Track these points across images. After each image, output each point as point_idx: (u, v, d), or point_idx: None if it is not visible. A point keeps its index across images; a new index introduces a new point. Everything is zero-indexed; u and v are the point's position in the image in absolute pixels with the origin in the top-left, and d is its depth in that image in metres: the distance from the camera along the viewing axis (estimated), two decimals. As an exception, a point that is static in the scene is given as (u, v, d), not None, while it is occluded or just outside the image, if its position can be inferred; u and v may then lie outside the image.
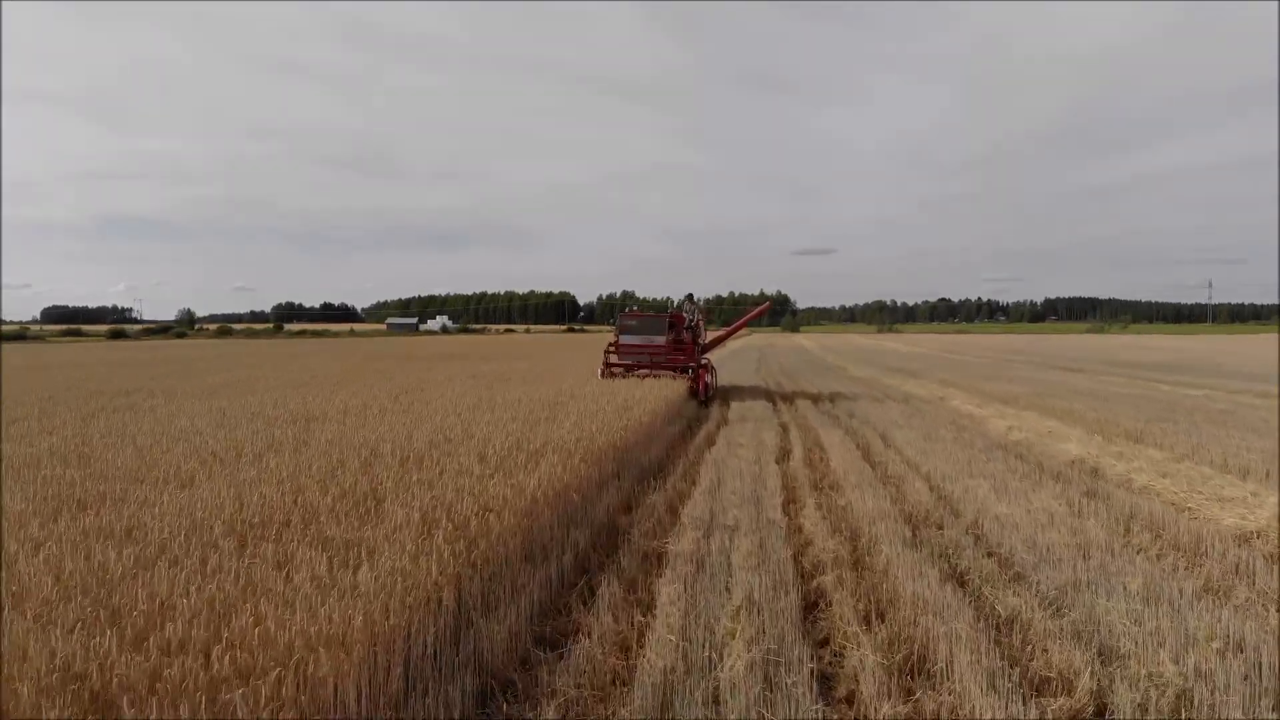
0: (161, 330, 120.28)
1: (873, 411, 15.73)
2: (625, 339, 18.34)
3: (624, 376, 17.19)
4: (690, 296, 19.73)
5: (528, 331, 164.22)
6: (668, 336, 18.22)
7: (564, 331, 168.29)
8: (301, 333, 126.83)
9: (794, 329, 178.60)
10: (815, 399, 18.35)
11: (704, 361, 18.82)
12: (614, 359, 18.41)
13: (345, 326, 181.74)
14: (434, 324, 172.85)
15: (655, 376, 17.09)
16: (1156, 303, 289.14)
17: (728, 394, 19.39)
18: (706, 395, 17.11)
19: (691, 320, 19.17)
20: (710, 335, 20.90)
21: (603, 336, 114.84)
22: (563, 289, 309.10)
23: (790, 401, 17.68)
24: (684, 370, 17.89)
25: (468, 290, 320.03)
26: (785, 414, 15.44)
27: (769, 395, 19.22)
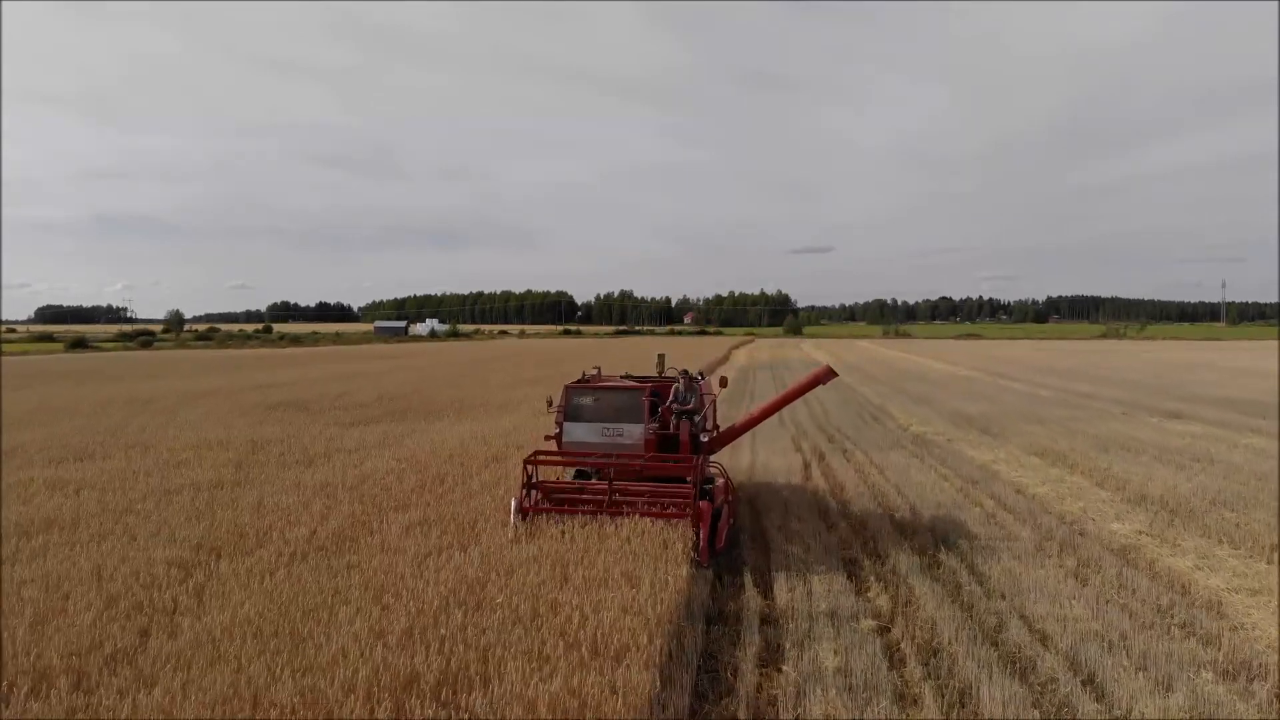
0: (135, 336, 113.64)
1: (1025, 582, 9.04)
2: (572, 430, 10.21)
3: (573, 509, 9.50)
4: (687, 375, 11.31)
5: (522, 334, 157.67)
6: (648, 425, 10.16)
7: (560, 334, 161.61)
8: (282, 338, 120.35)
9: (797, 330, 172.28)
10: (903, 527, 11.69)
11: (713, 472, 10.70)
12: (546, 464, 10.20)
13: (334, 329, 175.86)
14: (423, 327, 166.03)
15: (623, 513, 9.14)
16: (1159, 301, 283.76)
17: (755, 504, 12.66)
18: (715, 551, 9.35)
19: (683, 397, 10.86)
20: (715, 403, 11.90)
21: (598, 342, 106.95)
22: (560, 288, 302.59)
23: (869, 543, 10.91)
24: (679, 492, 9.56)
25: (465, 290, 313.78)
26: (879, 596, 8.68)
27: (822, 507, 12.48)
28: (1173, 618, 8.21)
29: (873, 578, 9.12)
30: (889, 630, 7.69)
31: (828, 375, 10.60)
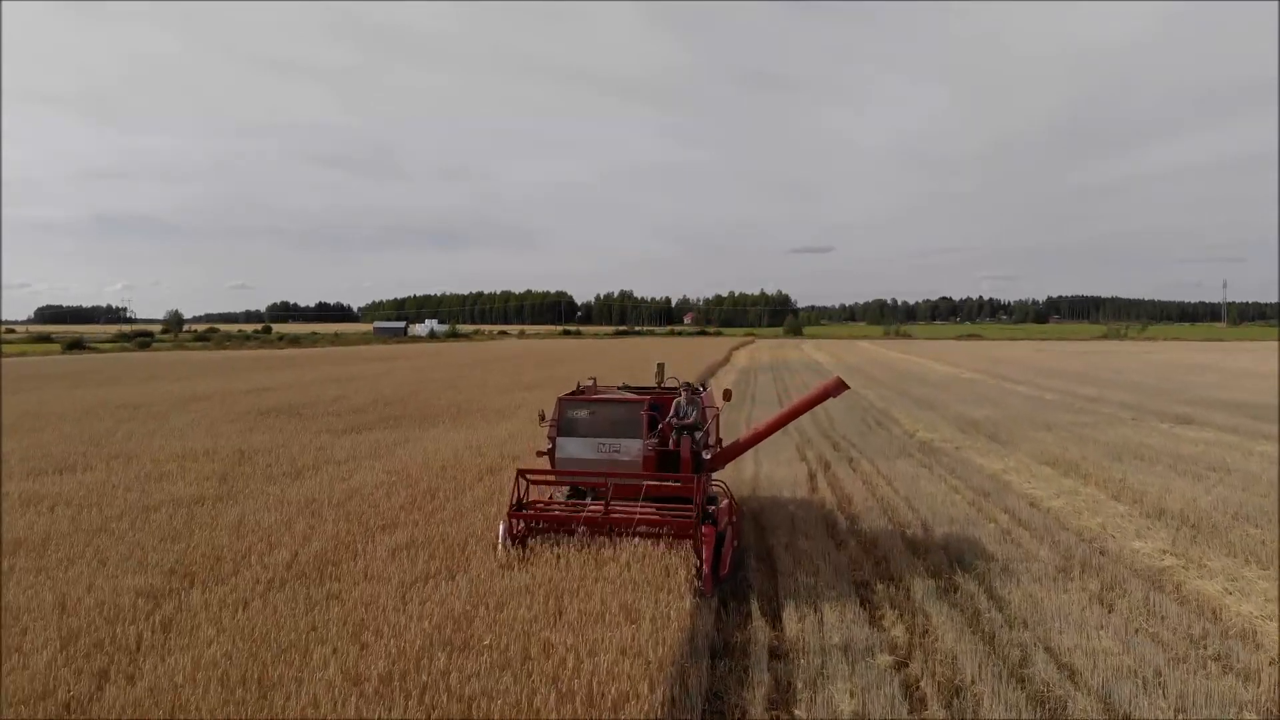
0: (133, 336, 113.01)
1: (1047, 609, 8.53)
2: (565, 445, 9.56)
3: (562, 530, 8.82)
4: (689, 387, 10.71)
5: (522, 335, 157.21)
6: (647, 442, 9.47)
7: (559, 334, 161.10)
8: (281, 339, 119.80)
9: (797, 330, 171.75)
10: (915, 545, 11.22)
11: (715, 491, 10.19)
12: (534, 488, 9.46)
13: (333, 329, 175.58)
14: (422, 328, 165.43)
15: (621, 534, 8.53)
16: (1159, 301, 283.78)
17: (760, 520, 12.16)
18: (719, 579, 8.69)
19: (684, 410, 10.07)
20: (717, 417, 10.97)
21: (597, 343, 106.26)
22: (560, 288, 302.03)
23: (881, 564, 10.39)
24: (683, 512, 8.80)
25: (465, 290, 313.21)
26: (894, 625, 8.13)
27: (830, 523, 11.97)
28: (1206, 649, 7.73)
29: (887, 604, 8.61)
30: (906, 665, 7.19)
31: (838, 388, 10.00)
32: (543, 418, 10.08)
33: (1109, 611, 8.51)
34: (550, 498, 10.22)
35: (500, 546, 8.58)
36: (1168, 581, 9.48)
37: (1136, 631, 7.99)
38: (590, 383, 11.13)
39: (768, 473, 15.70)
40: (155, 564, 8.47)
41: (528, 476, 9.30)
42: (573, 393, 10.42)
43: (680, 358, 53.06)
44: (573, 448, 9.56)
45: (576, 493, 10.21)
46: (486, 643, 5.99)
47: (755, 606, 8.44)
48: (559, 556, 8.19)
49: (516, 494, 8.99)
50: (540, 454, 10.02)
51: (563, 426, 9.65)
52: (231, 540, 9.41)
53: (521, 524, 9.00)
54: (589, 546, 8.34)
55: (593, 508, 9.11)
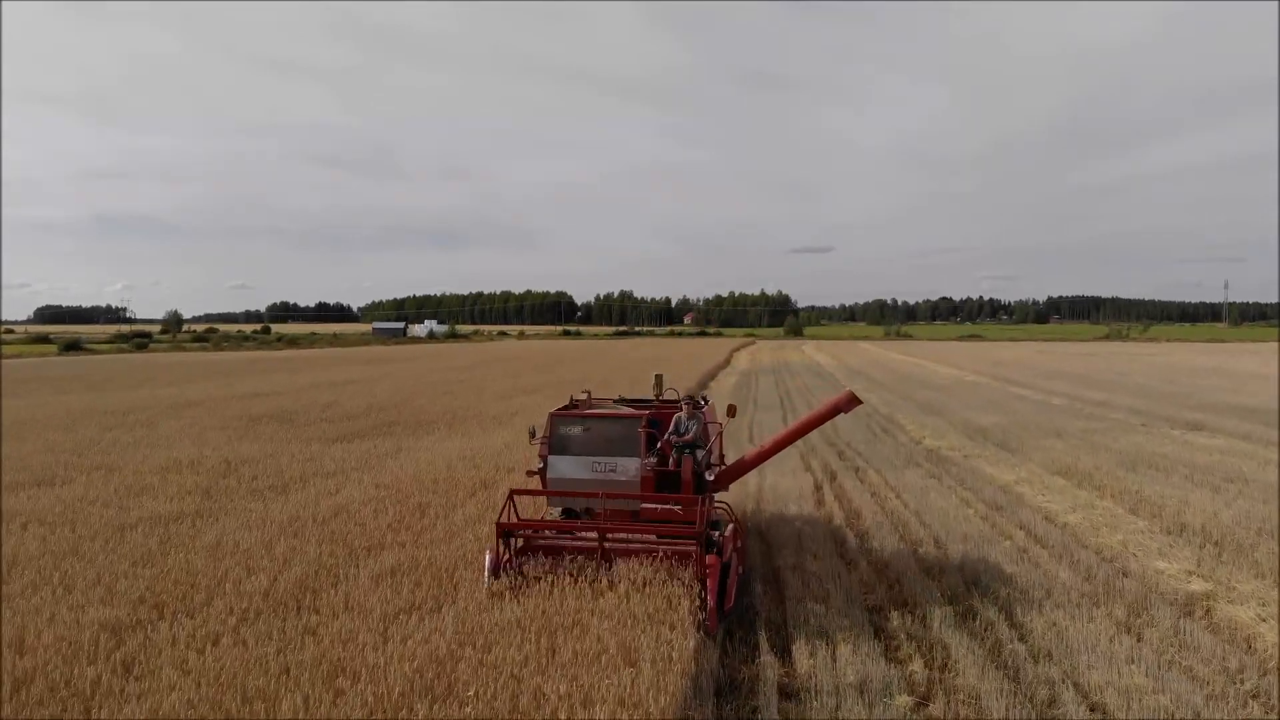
0: (130, 337, 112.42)
1: (1073, 639, 7.97)
2: (557, 464, 8.99)
3: (548, 567, 8.06)
4: (690, 401, 10.17)
5: (521, 335, 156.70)
6: (645, 460, 8.78)
7: (559, 335, 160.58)
8: (280, 340, 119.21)
9: (798, 331, 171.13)
10: (929, 566, 10.71)
11: (718, 514, 9.57)
12: (525, 507, 9.02)
13: (333, 329, 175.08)
14: (421, 329, 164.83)
15: (609, 562, 8.03)
16: (1160, 301, 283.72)
17: (766, 538, 11.65)
18: (724, 612, 8.04)
19: (685, 427, 9.56)
20: (720, 434, 10.40)
21: (597, 344, 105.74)
22: (560, 288, 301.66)
23: (894, 587, 9.90)
24: (683, 542, 8.22)
25: (465, 290, 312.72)
26: (911, 659, 7.61)
27: (839, 540, 11.43)
28: (1244, 684, 7.23)
29: (903, 634, 8.09)
30: (926, 705, 6.68)
31: (850, 403, 9.38)
32: (533, 434, 9.48)
33: (1138, 641, 8.00)
34: (544, 516, 9.70)
35: (486, 580, 8.02)
36: (1197, 607, 8.97)
37: (1169, 664, 7.49)
38: (584, 396, 10.60)
39: (772, 484, 15.19)
40: (124, 592, 7.95)
41: (515, 520, 8.70)
42: (565, 407, 9.88)
43: (680, 359, 52.53)
44: (565, 467, 9.01)
45: (570, 513, 9.70)
46: (471, 692, 5.47)
47: (763, 638, 7.91)
48: (552, 584, 7.68)
49: (506, 513, 8.46)
50: (531, 474, 9.47)
51: (554, 444, 9.08)
52: (207, 564, 8.89)
53: (510, 553, 8.45)
54: (584, 576, 7.82)
55: (586, 534, 8.60)
